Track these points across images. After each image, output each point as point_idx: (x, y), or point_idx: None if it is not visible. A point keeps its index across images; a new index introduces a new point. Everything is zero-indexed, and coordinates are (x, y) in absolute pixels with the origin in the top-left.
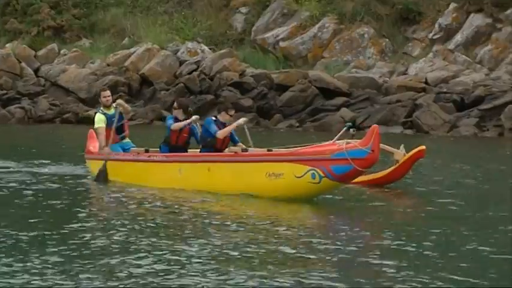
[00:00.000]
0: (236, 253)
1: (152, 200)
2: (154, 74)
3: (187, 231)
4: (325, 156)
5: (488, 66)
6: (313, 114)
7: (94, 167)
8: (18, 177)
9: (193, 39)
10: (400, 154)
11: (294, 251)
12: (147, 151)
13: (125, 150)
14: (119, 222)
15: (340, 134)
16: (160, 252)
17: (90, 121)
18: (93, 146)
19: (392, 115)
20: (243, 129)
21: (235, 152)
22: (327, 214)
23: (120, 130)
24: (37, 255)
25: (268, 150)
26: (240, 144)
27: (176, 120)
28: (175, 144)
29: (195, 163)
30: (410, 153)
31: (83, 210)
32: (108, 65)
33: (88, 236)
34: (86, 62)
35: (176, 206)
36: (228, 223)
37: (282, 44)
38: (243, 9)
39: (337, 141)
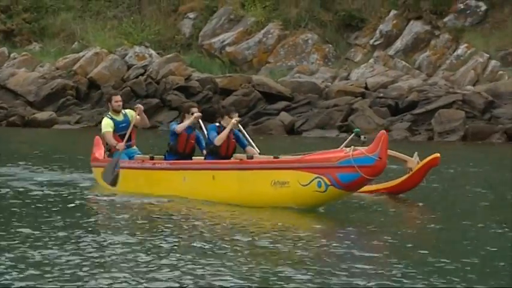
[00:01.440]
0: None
1: (155, 208)
2: (102, 78)
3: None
4: (331, 164)
5: (427, 72)
6: (255, 118)
7: (99, 175)
8: None
9: (141, 44)
10: (414, 162)
11: (302, 261)
12: (152, 158)
13: (130, 157)
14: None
15: (347, 140)
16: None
17: (37, 124)
18: (99, 153)
19: (329, 119)
20: (243, 134)
21: (241, 159)
22: (333, 223)
23: (127, 138)
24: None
25: (275, 158)
26: (249, 148)
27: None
28: (183, 152)
29: (199, 171)
30: (424, 161)
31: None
32: (57, 68)
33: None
34: (35, 66)
35: (181, 215)
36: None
37: (228, 49)
38: (191, 15)
39: (345, 148)
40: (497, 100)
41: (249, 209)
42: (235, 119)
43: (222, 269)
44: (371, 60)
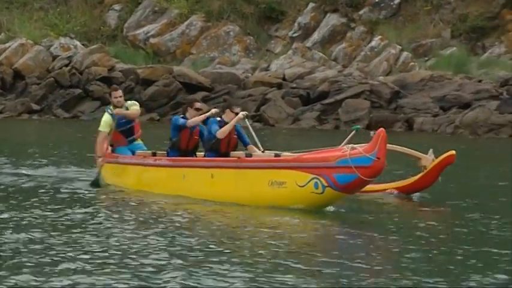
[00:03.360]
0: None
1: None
2: (27, 69)
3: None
4: (329, 164)
5: (343, 63)
6: (175, 108)
7: (107, 170)
8: None
9: (66, 35)
10: (429, 160)
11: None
12: (154, 154)
13: (133, 153)
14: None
15: (348, 137)
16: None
17: None
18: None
19: (243, 109)
20: (248, 130)
21: (238, 157)
22: (339, 225)
23: (128, 133)
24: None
25: (276, 155)
26: (251, 147)
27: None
28: (186, 148)
29: (198, 168)
30: (440, 158)
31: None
32: None
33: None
34: None
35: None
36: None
37: (152, 40)
38: (117, 7)
39: (344, 147)
40: (403, 90)
41: (253, 208)
42: (242, 113)
43: (219, 272)
44: (290, 52)
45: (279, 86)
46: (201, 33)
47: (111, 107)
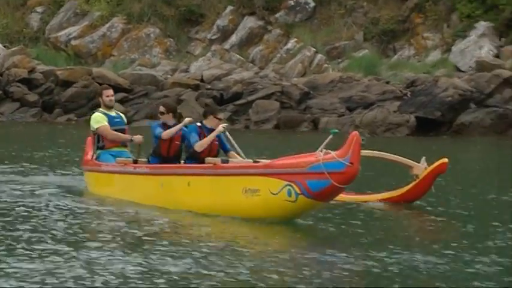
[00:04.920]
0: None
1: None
2: None
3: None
4: (301, 170)
5: (260, 65)
6: (93, 109)
7: (92, 179)
8: None
9: None
10: (421, 168)
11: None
12: (135, 162)
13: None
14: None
15: (325, 142)
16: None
17: None
18: (91, 154)
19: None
20: (230, 141)
21: (214, 164)
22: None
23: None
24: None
25: (255, 161)
26: (232, 154)
27: (165, 125)
28: (167, 155)
29: (175, 176)
30: (431, 167)
31: None
32: None
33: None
34: None
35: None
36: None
37: (73, 42)
38: (39, 9)
39: (322, 152)
40: (314, 91)
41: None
42: (221, 125)
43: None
44: (208, 54)
45: (196, 87)
46: (122, 35)
47: (102, 108)
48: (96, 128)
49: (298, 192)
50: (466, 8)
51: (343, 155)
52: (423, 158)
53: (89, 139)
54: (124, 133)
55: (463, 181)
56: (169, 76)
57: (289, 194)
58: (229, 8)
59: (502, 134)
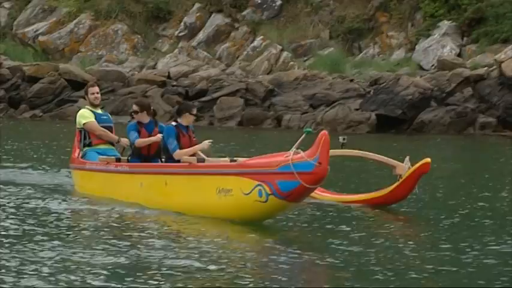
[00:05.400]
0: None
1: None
2: None
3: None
4: (271, 170)
5: (226, 62)
6: (59, 105)
7: (78, 178)
8: None
9: None
10: (404, 168)
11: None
12: (118, 160)
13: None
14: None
15: (298, 142)
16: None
17: None
18: (78, 152)
19: (123, 106)
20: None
21: (190, 163)
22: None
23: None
24: None
25: (231, 160)
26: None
27: (140, 125)
28: (148, 155)
29: (153, 175)
30: (414, 167)
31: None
32: None
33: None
34: None
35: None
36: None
37: (41, 38)
38: (7, 4)
39: (293, 151)
40: (278, 89)
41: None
42: (207, 143)
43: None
44: (176, 51)
45: (163, 84)
46: (89, 31)
47: (88, 106)
48: (84, 124)
49: (269, 192)
50: (430, 7)
51: (312, 155)
52: (407, 158)
53: (77, 136)
54: (111, 131)
55: (427, 177)
56: (136, 72)
57: (260, 195)
58: (197, 5)
59: (461, 132)
